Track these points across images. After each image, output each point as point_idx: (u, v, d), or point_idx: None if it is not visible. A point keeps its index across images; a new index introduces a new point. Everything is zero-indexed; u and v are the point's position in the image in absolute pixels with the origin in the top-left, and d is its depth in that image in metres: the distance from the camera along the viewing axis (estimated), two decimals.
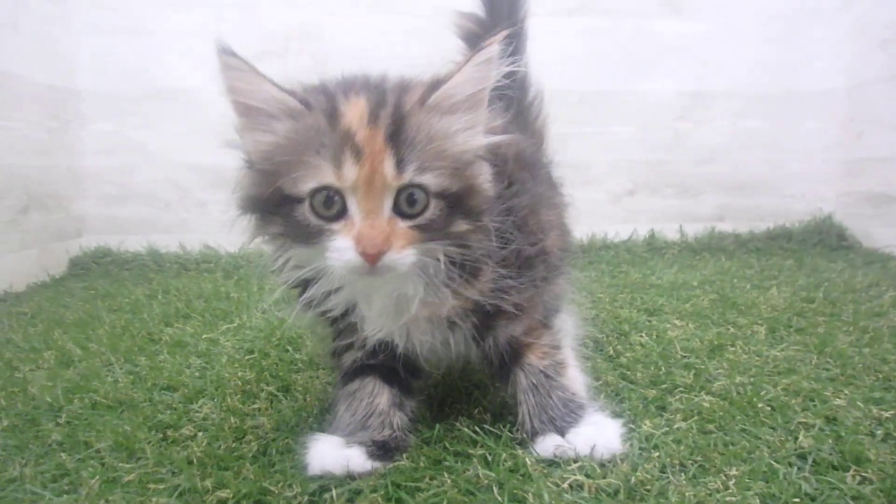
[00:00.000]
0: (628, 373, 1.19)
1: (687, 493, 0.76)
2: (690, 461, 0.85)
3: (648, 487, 0.78)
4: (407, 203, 0.78)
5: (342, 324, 0.95)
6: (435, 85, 0.82)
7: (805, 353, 1.27)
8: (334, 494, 0.78)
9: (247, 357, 1.34)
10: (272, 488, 0.80)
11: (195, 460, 0.88)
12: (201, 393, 1.14)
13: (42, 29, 2.36)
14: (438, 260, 0.83)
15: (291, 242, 0.83)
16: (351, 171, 0.75)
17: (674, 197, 2.75)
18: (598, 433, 0.87)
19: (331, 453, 0.85)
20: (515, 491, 0.78)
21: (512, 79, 1.24)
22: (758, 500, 0.75)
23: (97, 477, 0.84)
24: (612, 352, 1.31)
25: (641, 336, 1.41)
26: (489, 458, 0.86)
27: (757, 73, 2.67)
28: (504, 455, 0.86)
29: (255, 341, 1.46)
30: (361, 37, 2.57)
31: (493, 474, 0.81)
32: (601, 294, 1.85)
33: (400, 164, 0.76)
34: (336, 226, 0.78)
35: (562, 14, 2.63)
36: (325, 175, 0.76)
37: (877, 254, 2.42)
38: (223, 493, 0.79)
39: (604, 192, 2.73)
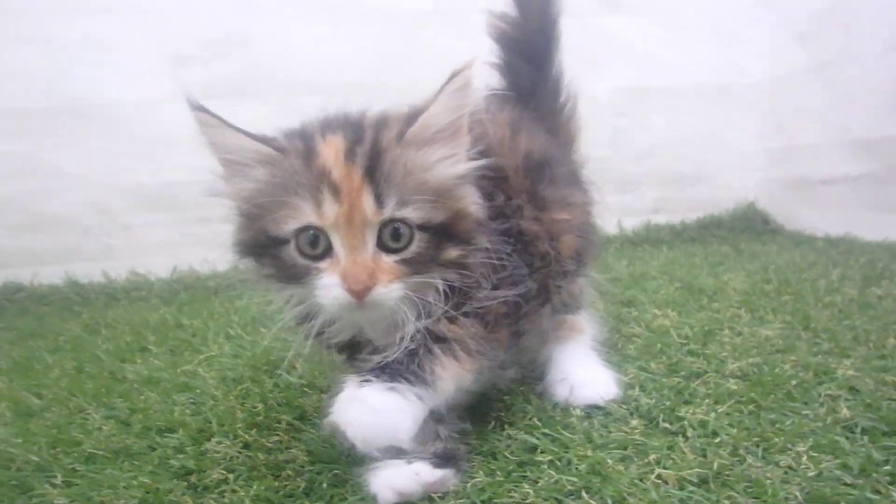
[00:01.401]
0: (642, 363, 1.19)
1: (768, 475, 0.77)
2: (751, 443, 0.86)
3: (728, 473, 0.78)
4: (392, 238, 0.78)
5: (359, 360, 0.90)
6: (412, 118, 0.81)
7: (793, 330, 1.33)
8: None
9: (239, 387, 1.23)
10: None
11: None
12: (204, 431, 1.03)
13: None
14: (437, 289, 0.83)
15: (284, 283, 0.83)
16: (331, 209, 0.75)
17: (614, 192, 2.83)
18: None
19: (397, 474, 0.79)
20: (603, 492, 0.75)
21: (546, 80, 1.24)
22: (837, 473, 0.77)
23: None
24: (617, 344, 1.31)
25: (632, 327, 1.43)
26: (559, 463, 0.83)
27: (691, 68, 2.78)
28: (574, 458, 0.84)
29: (237, 369, 1.34)
30: (295, 42, 2.45)
31: (574, 479, 0.78)
32: None
33: (379, 200, 0.76)
34: (323, 264, 0.78)
35: None
36: (306, 215, 0.77)
37: (802, 235, 2.61)
38: None
39: None
